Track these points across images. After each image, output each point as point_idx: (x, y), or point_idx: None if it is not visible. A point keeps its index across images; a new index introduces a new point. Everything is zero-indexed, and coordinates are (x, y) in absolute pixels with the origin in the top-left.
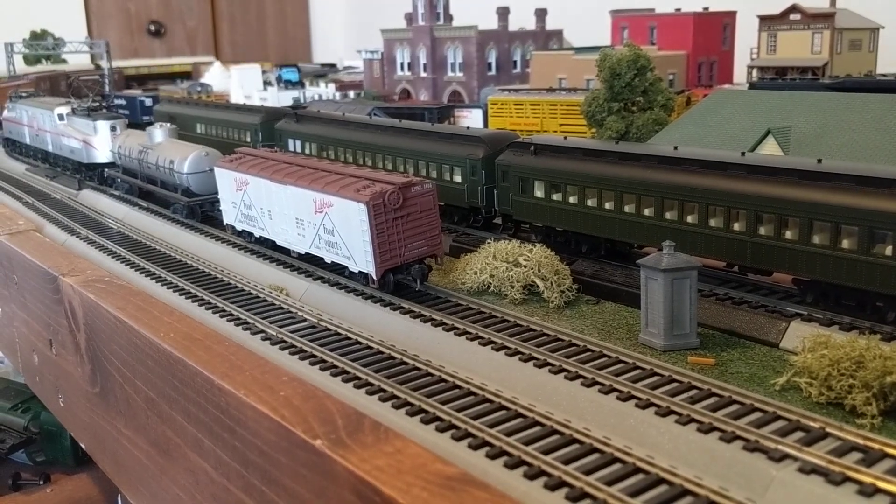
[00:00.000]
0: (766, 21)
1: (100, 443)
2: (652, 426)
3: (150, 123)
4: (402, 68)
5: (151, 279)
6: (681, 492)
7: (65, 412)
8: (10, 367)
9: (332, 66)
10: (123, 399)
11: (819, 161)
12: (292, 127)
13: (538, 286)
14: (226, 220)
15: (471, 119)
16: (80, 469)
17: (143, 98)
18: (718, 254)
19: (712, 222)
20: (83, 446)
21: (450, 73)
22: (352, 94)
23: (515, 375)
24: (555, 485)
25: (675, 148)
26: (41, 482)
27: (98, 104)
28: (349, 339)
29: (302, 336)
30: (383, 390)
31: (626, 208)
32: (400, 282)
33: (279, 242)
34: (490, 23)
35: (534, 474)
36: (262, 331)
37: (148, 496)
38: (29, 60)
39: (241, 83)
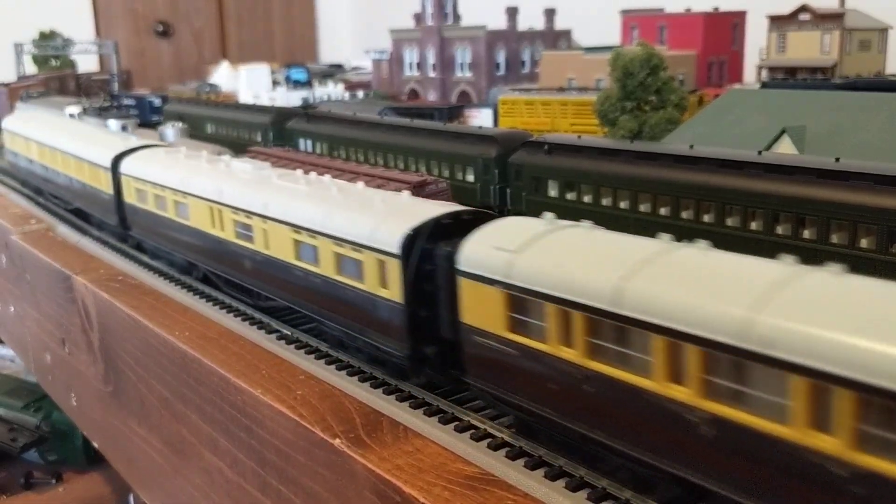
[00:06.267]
0: (776, 21)
1: (113, 442)
2: None
3: (160, 123)
4: (410, 68)
5: (164, 279)
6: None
7: (77, 411)
8: (22, 366)
9: (340, 66)
10: (137, 398)
11: (837, 160)
12: (303, 126)
13: None
14: None
15: (480, 119)
16: (92, 468)
17: (152, 98)
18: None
19: (729, 221)
20: (96, 445)
21: (458, 74)
22: (360, 93)
23: None
24: (576, 486)
25: (691, 147)
26: (53, 481)
27: (109, 104)
28: None
29: (317, 336)
30: (400, 390)
31: (642, 207)
32: None
33: None
34: (499, 22)
35: (555, 475)
36: (277, 330)
37: (162, 495)
38: (38, 60)
39: (249, 83)
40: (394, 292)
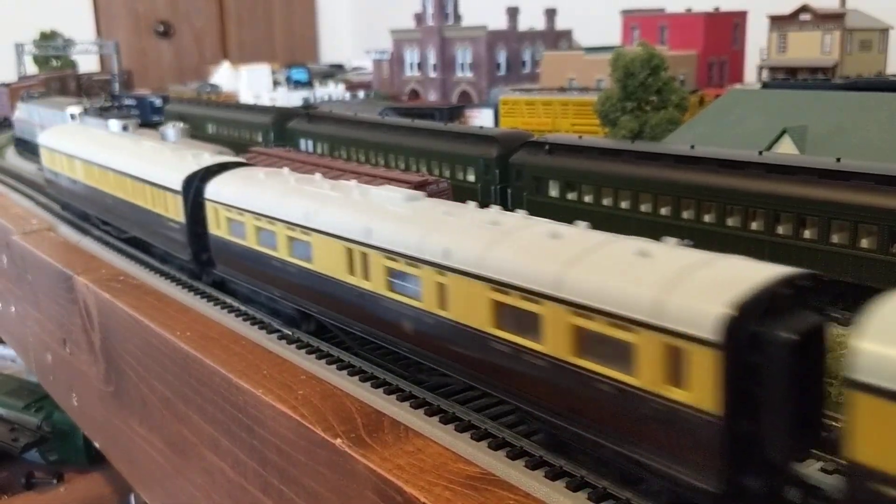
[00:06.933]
0: (777, 21)
1: (114, 442)
2: None
3: (161, 123)
4: (411, 69)
5: (165, 279)
6: None
7: (78, 411)
8: (23, 366)
9: (340, 66)
10: (138, 398)
11: (838, 160)
12: (304, 126)
13: None
14: None
15: (481, 119)
16: (93, 468)
17: (153, 98)
18: (736, 253)
19: (730, 221)
20: (97, 445)
21: (459, 74)
22: (361, 94)
23: None
24: (577, 486)
25: (692, 147)
26: (54, 481)
27: (110, 104)
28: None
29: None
30: (401, 390)
31: (643, 207)
32: None
33: None
34: (499, 23)
35: (555, 475)
36: (279, 330)
37: (163, 495)
38: (38, 61)
39: (250, 83)
40: (700, 396)
